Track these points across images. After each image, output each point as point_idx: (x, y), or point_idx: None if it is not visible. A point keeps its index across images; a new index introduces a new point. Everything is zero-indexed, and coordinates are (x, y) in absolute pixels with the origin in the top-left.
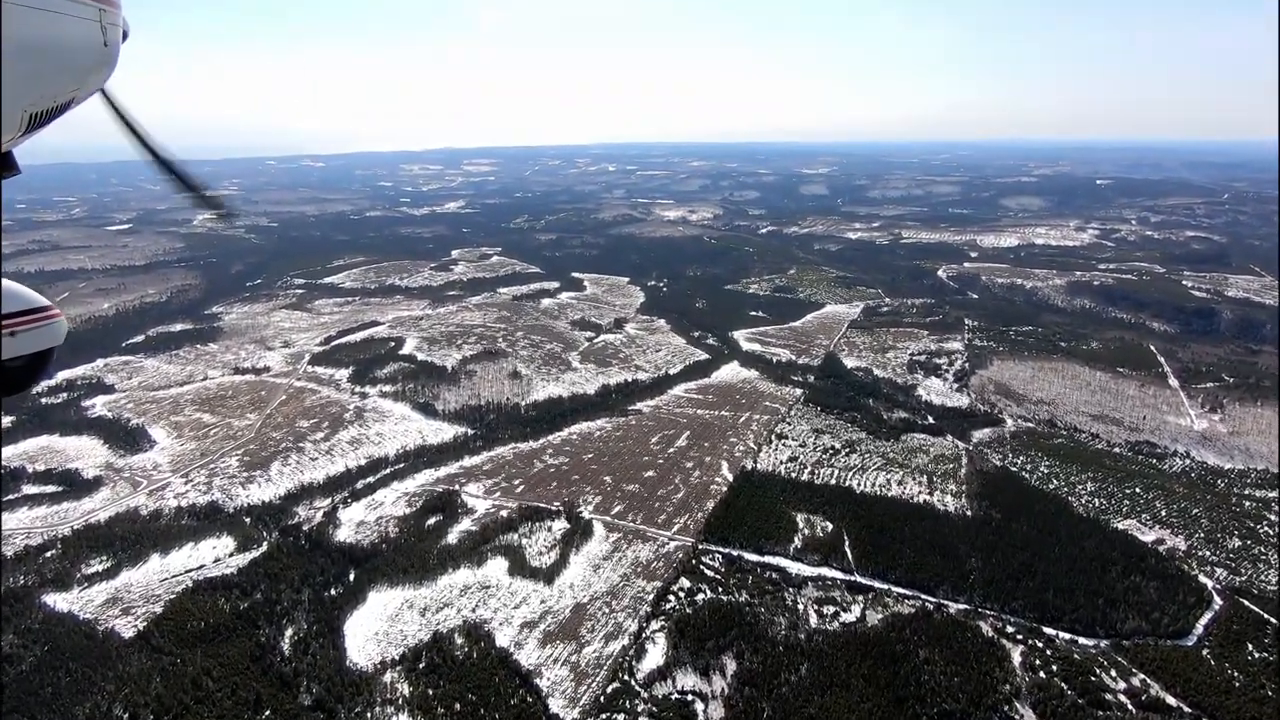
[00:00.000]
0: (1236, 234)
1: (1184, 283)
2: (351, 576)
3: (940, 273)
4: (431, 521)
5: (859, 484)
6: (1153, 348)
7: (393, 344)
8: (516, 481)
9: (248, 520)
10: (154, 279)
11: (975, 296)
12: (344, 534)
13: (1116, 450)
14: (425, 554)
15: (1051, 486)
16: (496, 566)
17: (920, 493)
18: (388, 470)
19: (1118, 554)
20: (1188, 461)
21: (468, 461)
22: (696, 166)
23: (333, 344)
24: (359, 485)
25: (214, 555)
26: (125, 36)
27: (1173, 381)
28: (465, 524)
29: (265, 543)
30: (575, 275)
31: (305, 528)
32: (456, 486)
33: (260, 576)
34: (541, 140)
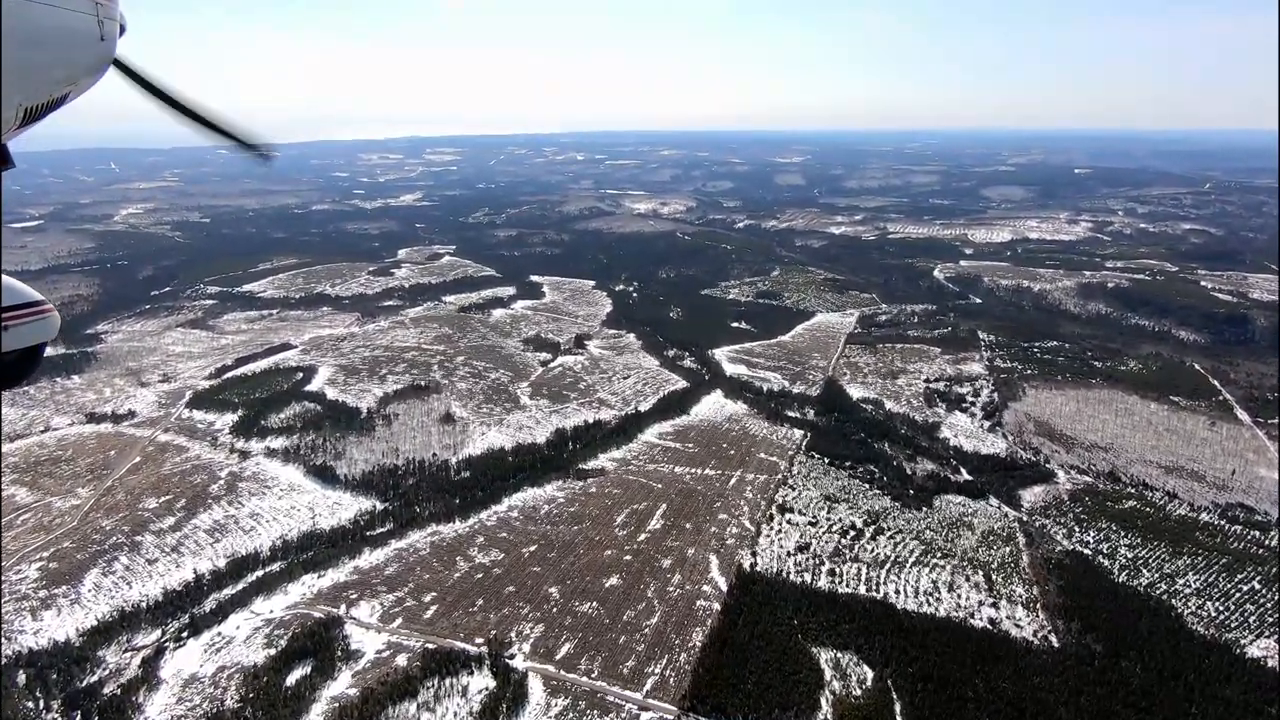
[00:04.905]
0: (1230, 226)
1: (1202, 283)
2: None
3: (937, 273)
4: (295, 678)
5: (897, 590)
6: (1198, 367)
7: (301, 376)
8: (428, 597)
9: (21, 679)
10: (40, 288)
11: (979, 301)
12: (159, 706)
13: (1205, 518)
14: None
15: (1143, 581)
16: None
17: (981, 602)
18: (255, 576)
19: (1276, 710)
20: None
21: (367, 559)
22: (667, 155)
23: (226, 376)
24: (207, 605)
25: None
26: (123, 31)
27: (1242, 415)
28: (343, 682)
29: None
30: (534, 279)
31: (106, 691)
32: (342, 608)
33: None
34: (509, 129)
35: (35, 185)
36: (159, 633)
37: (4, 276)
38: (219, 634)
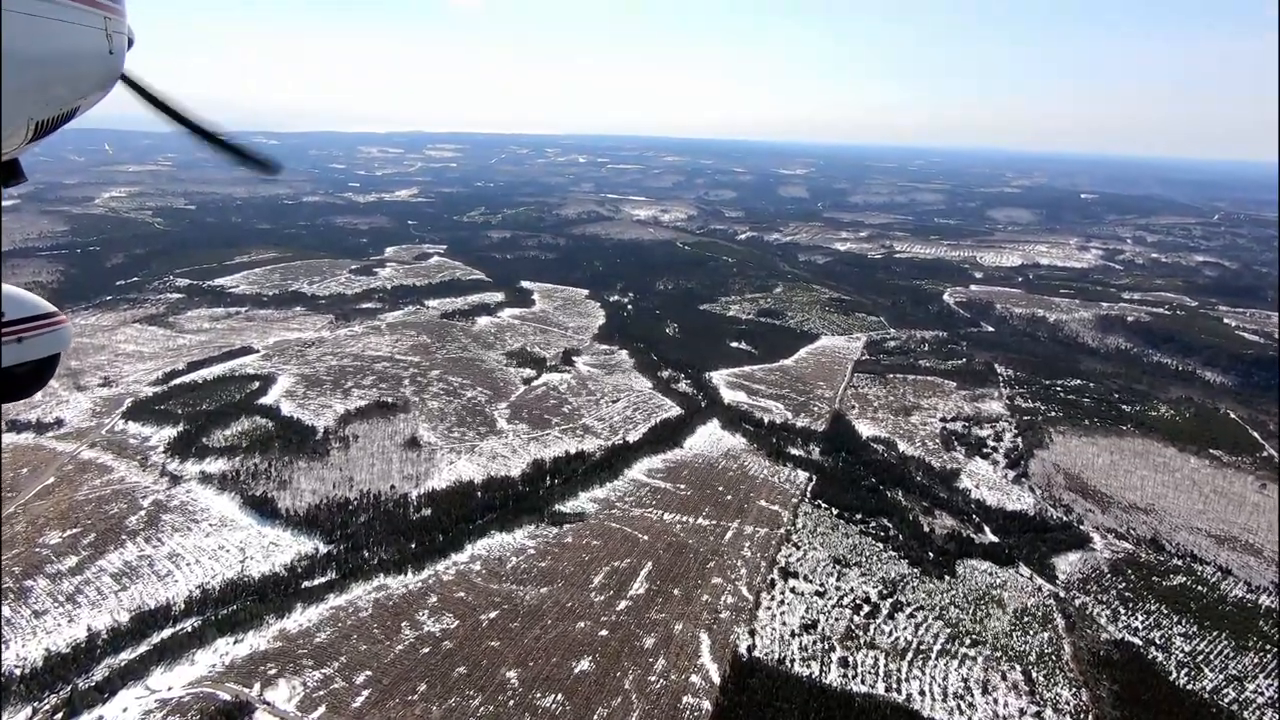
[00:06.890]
0: (1243, 260)
1: (1225, 320)
2: None
3: (947, 297)
4: None
5: (922, 690)
6: (1234, 415)
7: (257, 385)
8: (361, 678)
9: None
10: None
11: (992, 330)
12: None
13: (1267, 602)
14: None
15: (1207, 685)
16: None
17: (1023, 711)
18: (161, 636)
19: None
20: None
21: (296, 620)
22: (670, 162)
23: (174, 382)
24: (96, 674)
25: None
26: (130, 44)
27: None
28: None
29: None
30: (524, 285)
31: None
32: (256, 688)
33: None
34: (513, 129)
35: (24, 164)
36: (29, 711)
37: (17, 289)
38: (100, 719)
